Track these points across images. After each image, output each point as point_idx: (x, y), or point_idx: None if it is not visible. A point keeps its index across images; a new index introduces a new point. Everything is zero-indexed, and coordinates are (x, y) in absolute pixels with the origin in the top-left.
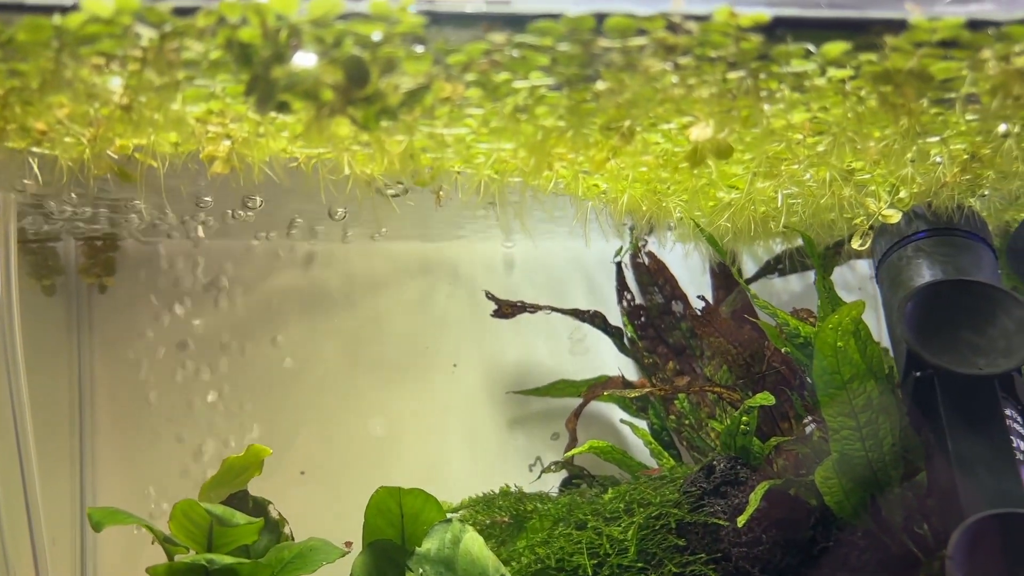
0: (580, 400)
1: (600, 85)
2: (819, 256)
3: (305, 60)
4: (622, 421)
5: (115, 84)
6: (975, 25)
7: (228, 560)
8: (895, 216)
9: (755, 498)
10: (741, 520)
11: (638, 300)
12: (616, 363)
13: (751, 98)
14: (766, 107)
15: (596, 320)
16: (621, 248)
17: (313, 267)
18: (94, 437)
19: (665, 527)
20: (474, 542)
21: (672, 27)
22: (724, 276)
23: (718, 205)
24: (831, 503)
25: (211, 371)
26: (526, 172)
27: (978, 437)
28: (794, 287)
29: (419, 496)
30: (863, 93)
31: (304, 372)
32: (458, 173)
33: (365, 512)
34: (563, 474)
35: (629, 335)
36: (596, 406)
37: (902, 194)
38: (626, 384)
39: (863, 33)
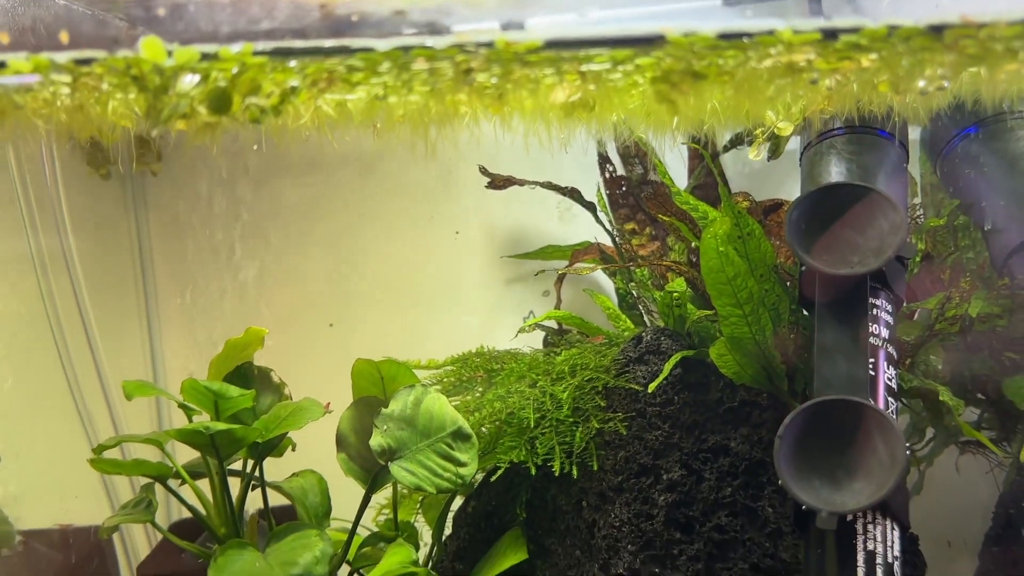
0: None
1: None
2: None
3: (188, 87)
4: (584, 290)
5: None
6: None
7: (221, 426)
8: (788, 128)
9: (668, 366)
10: (652, 386)
11: (619, 172)
12: (599, 230)
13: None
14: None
15: (574, 195)
16: None
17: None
18: (157, 297)
19: (594, 389)
20: (435, 402)
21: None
22: (697, 150)
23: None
24: (729, 373)
25: (254, 241)
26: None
27: (841, 327)
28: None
29: (392, 364)
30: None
31: (331, 240)
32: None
33: (351, 376)
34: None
35: (600, 209)
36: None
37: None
38: (601, 252)
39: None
